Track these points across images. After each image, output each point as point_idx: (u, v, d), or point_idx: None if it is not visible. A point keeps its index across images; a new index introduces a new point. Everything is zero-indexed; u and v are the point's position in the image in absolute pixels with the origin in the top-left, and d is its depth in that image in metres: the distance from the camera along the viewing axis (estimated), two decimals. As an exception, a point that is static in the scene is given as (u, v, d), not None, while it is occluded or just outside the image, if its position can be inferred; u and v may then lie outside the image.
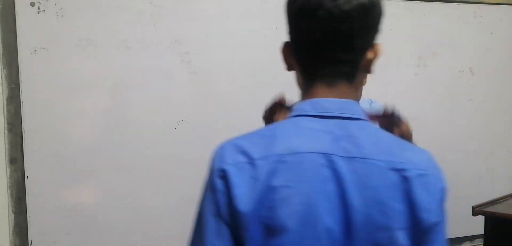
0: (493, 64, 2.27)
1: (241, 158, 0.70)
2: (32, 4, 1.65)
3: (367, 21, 0.73)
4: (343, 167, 0.68)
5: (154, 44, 1.77)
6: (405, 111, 2.22)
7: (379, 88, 2.13)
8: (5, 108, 1.69)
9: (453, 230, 2.29)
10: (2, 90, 1.68)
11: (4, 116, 1.69)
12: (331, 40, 0.72)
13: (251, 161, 0.69)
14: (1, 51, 1.66)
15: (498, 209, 1.49)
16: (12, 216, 1.74)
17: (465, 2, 2.19)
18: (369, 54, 0.75)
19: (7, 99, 1.69)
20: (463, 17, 2.19)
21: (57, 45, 1.69)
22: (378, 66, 2.18)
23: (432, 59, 2.18)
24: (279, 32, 1.97)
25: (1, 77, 1.67)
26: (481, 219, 1.51)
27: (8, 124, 1.70)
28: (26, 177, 1.72)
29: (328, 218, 0.66)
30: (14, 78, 1.68)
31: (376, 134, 0.74)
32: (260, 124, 1.56)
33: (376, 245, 0.67)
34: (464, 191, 2.29)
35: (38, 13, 1.66)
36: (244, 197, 0.66)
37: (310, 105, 0.74)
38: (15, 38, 1.65)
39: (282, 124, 0.75)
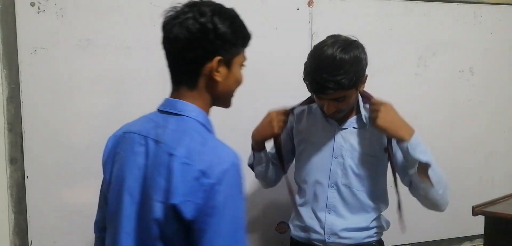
0: (493, 64, 2.27)
1: (118, 132, 1.07)
2: (32, 4, 1.65)
3: (192, 43, 0.94)
4: (152, 147, 0.95)
5: (154, 44, 1.75)
6: (405, 111, 2.22)
7: (379, 88, 2.12)
8: (5, 108, 1.69)
9: (453, 230, 2.30)
10: (2, 90, 1.68)
11: (4, 116, 1.69)
12: (169, 56, 1.00)
13: (116, 134, 1.07)
14: (1, 51, 1.67)
15: (498, 209, 1.48)
16: (12, 216, 1.74)
17: (465, 2, 2.19)
18: (207, 66, 0.96)
19: (7, 99, 1.69)
20: (463, 17, 2.19)
21: (57, 45, 1.69)
22: (378, 66, 2.19)
23: (432, 59, 2.18)
24: (279, 32, 1.99)
25: (1, 77, 1.67)
26: (481, 219, 1.50)
27: (8, 124, 1.70)
28: (26, 177, 1.72)
29: (131, 181, 0.95)
30: (14, 78, 1.68)
31: (185, 129, 0.95)
32: (258, 123, 1.56)
33: (147, 211, 0.91)
34: (464, 191, 2.29)
35: (38, 13, 1.66)
36: (105, 154, 1.08)
37: (161, 102, 1.03)
38: (15, 38, 1.65)
39: (149, 114, 1.05)
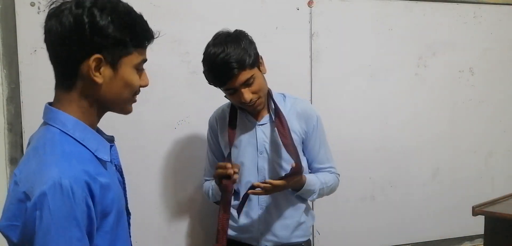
0: (493, 64, 2.27)
1: None
2: (32, 4, 1.65)
3: (65, 38, 0.83)
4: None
5: (154, 44, 1.76)
6: (405, 111, 2.23)
7: (379, 88, 2.13)
8: (5, 108, 1.69)
9: (453, 230, 2.31)
10: (2, 90, 1.68)
11: (4, 116, 1.69)
12: (48, 54, 0.88)
13: None
14: (1, 51, 1.66)
15: (498, 209, 1.48)
16: (12, 216, 1.74)
17: (465, 2, 2.19)
18: (84, 65, 0.85)
19: (7, 99, 1.69)
20: (463, 17, 2.19)
21: (57, 45, 1.69)
22: (378, 66, 2.19)
23: (432, 59, 2.18)
24: (279, 32, 1.99)
25: (1, 77, 1.67)
26: (481, 219, 1.50)
27: (8, 124, 1.70)
28: (26, 177, 1.72)
29: None
30: (14, 78, 1.68)
31: (38, 144, 0.85)
32: (260, 123, 1.57)
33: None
34: (464, 191, 2.29)
35: (38, 13, 1.66)
36: None
37: None
38: (15, 38, 1.65)
39: None
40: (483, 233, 1.53)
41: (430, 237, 2.29)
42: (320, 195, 1.54)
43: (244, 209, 1.51)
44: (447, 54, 2.20)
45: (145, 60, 0.95)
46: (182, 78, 1.84)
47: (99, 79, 0.86)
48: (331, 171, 1.57)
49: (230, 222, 1.53)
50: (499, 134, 2.34)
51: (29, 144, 0.92)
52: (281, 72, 1.90)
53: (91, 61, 0.84)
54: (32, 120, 1.69)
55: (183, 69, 1.84)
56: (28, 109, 1.69)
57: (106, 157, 0.91)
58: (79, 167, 0.81)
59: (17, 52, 1.66)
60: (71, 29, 0.83)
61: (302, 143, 1.53)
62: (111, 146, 0.98)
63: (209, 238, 1.83)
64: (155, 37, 0.95)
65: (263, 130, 1.50)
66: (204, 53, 1.40)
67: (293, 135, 1.47)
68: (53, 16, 0.85)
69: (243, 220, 1.53)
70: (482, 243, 1.55)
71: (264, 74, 1.46)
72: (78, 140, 0.86)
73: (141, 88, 0.96)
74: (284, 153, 1.46)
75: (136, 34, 0.90)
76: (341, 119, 2.07)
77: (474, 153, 2.31)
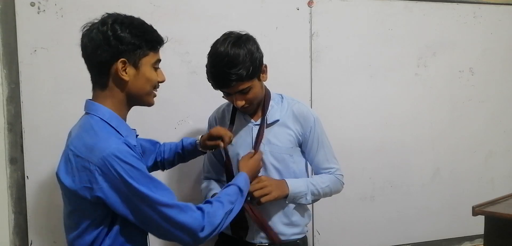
0: (493, 64, 2.28)
1: None
2: (32, 4, 1.65)
3: (96, 49, 1.09)
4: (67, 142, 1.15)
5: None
6: (405, 112, 2.23)
7: (379, 88, 2.13)
8: (5, 108, 1.69)
9: (453, 230, 2.31)
10: (2, 90, 1.68)
11: (4, 116, 1.69)
12: (86, 64, 1.15)
13: None
14: (1, 51, 1.67)
15: (498, 209, 1.48)
16: (12, 216, 1.74)
17: (465, 2, 2.19)
18: (114, 67, 1.10)
19: (7, 99, 1.69)
20: (463, 17, 2.20)
21: (57, 45, 1.69)
22: (378, 66, 2.18)
23: (432, 59, 2.18)
24: (279, 32, 1.99)
25: (1, 77, 1.67)
26: (481, 219, 1.50)
27: (8, 124, 1.70)
28: (26, 177, 1.72)
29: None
30: (14, 78, 1.68)
31: (85, 126, 1.10)
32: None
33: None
34: (464, 191, 2.29)
35: (38, 13, 1.66)
36: None
37: None
38: (15, 38, 1.65)
39: None
40: (483, 233, 1.53)
41: (430, 237, 2.29)
42: (316, 196, 1.52)
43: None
44: (447, 54, 2.20)
45: (159, 60, 1.20)
46: (182, 78, 1.84)
47: (126, 77, 1.11)
48: (330, 171, 1.56)
49: None
50: (499, 134, 2.34)
51: (70, 134, 1.15)
52: (281, 72, 1.90)
53: (119, 64, 1.09)
54: (32, 120, 1.70)
55: (183, 69, 1.84)
56: (28, 109, 1.69)
57: (133, 142, 1.14)
58: (121, 140, 1.08)
59: (17, 52, 1.66)
60: (100, 42, 1.09)
61: (300, 145, 1.53)
62: (136, 135, 1.28)
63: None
64: (165, 41, 1.20)
65: (258, 130, 1.51)
66: (211, 48, 1.40)
67: (287, 136, 1.49)
68: (86, 35, 1.12)
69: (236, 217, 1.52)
70: (482, 243, 1.55)
71: (264, 81, 1.47)
72: (114, 126, 1.11)
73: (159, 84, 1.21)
74: (277, 153, 1.49)
75: (150, 39, 1.14)
76: (341, 119, 2.07)
77: (474, 153, 2.31)
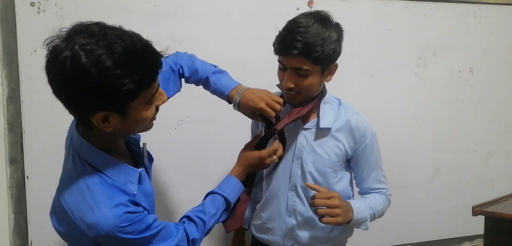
0: (493, 64, 2.27)
1: None
2: (32, 4, 1.65)
3: (68, 96, 0.82)
4: None
5: (154, 44, 1.77)
6: (405, 112, 2.23)
7: (379, 88, 2.13)
8: (5, 108, 1.69)
9: (453, 230, 2.31)
10: (2, 90, 1.68)
11: (4, 116, 1.69)
12: None
13: None
14: (1, 51, 1.66)
15: (498, 209, 1.48)
16: (12, 216, 1.74)
17: (465, 2, 2.19)
18: (92, 118, 0.84)
19: (7, 99, 1.69)
20: (463, 17, 2.19)
21: (57, 45, 1.69)
22: (378, 66, 2.19)
23: (432, 59, 2.18)
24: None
25: (1, 77, 1.67)
26: (481, 219, 1.50)
27: (8, 124, 1.70)
28: (26, 177, 1.72)
29: None
30: (14, 78, 1.68)
31: (75, 174, 0.93)
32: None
33: None
34: (464, 191, 2.29)
35: (38, 13, 1.66)
36: None
37: None
38: (15, 38, 1.65)
39: None
40: (483, 233, 1.53)
41: (430, 237, 2.29)
42: (372, 221, 1.40)
43: (269, 214, 1.44)
44: (447, 54, 2.20)
45: (156, 90, 0.90)
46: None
47: (109, 128, 0.87)
48: (381, 191, 1.45)
49: (257, 222, 1.49)
50: (499, 134, 2.34)
51: (67, 148, 1.01)
52: (281, 72, 1.90)
53: (96, 119, 0.84)
54: (32, 120, 1.70)
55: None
56: (28, 109, 1.69)
57: (134, 189, 0.96)
58: (121, 205, 0.89)
59: (17, 52, 1.66)
60: (69, 90, 0.79)
61: (348, 160, 1.40)
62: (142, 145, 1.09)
63: (209, 239, 1.83)
64: (163, 57, 0.89)
65: (305, 135, 1.36)
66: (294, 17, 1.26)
67: (336, 149, 1.35)
68: (52, 70, 0.79)
69: (269, 222, 1.45)
70: (482, 243, 1.55)
71: (326, 81, 1.33)
72: (109, 176, 0.92)
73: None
74: (320, 166, 1.35)
75: (140, 77, 0.81)
76: (341, 119, 2.07)
77: (474, 153, 2.31)
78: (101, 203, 0.87)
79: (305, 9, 1.97)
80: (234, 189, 1.21)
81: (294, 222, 1.41)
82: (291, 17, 1.93)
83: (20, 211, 1.74)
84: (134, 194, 0.95)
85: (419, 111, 2.20)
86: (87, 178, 0.90)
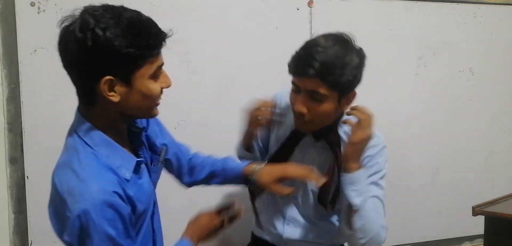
0: (493, 64, 2.27)
1: None
2: (32, 4, 1.65)
3: (72, 62, 0.87)
4: None
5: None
6: (405, 111, 2.23)
7: (379, 88, 2.13)
8: (5, 108, 1.69)
9: (453, 230, 2.30)
10: (2, 90, 1.68)
11: (4, 116, 1.69)
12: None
13: None
14: (1, 51, 1.66)
15: (498, 209, 1.48)
16: (12, 216, 1.74)
17: (464, 2, 2.19)
18: (98, 88, 0.85)
19: (7, 99, 1.69)
20: (463, 17, 2.19)
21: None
22: (378, 66, 2.19)
23: (432, 59, 2.18)
24: (279, 32, 1.98)
25: (1, 77, 1.67)
26: (481, 219, 1.50)
27: (8, 124, 1.70)
28: (26, 177, 1.72)
29: None
30: (14, 78, 1.68)
31: (70, 148, 0.94)
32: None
33: None
34: (464, 191, 2.29)
35: (38, 13, 1.66)
36: None
37: None
38: (15, 38, 1.65)
39: None
40: (483, 233, 1.53)
41: (430, 237, 2.29)
42: (358, 210, 1.20)
43: (271, 217, 1.38)
44: (447, 54, 2.20)
45: (161, 65, 0.93)
46: (182, 78, 1.84)
47: (115, 98, 0.87)
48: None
49: (257, 227, 1.46)
50: (499, 134, 2.34)
51: (67, 138, 0.97)
52: (281, 72, 1.90)
53: (102, 85, 0.85)
54: (32, 120, 1.70)
55: (183, 69, 1.84)
56: (28, 109, 1.69)
57: (127, 174, 0.93)
58: (110, 183, 0.87)
59: (17, 52, 1.66)
60: (78, 56, 0.84)
61: None
62: (142, 128, 1.05)
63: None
64: (168, 36, 0.92)
65: (317, 152, 1.29)
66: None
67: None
68: (62, 42, 0.88)
69: (267, 229, 1.40)
70: (482, 243, 1.55)
71: (343, 109, 1.22)
72: (104, 156, 0.90)
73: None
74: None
75: (143, 45, 0.86)
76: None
77: (474, 153, 2.31)
78: (90, 177, 0.86)
79: (305, 9, 1.97)
80: None
81: (292, 229, 1.37)
82: (291, 17, 1.96)
83: (20, 211, 1.74)
84: (127, 180, 0.92)
85: (419, 111, 2.20)
86: (81, 153, 0.90)
